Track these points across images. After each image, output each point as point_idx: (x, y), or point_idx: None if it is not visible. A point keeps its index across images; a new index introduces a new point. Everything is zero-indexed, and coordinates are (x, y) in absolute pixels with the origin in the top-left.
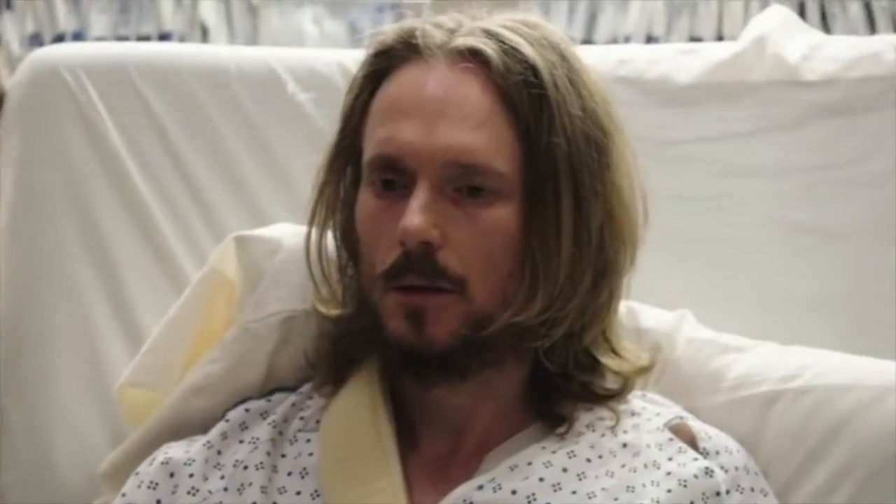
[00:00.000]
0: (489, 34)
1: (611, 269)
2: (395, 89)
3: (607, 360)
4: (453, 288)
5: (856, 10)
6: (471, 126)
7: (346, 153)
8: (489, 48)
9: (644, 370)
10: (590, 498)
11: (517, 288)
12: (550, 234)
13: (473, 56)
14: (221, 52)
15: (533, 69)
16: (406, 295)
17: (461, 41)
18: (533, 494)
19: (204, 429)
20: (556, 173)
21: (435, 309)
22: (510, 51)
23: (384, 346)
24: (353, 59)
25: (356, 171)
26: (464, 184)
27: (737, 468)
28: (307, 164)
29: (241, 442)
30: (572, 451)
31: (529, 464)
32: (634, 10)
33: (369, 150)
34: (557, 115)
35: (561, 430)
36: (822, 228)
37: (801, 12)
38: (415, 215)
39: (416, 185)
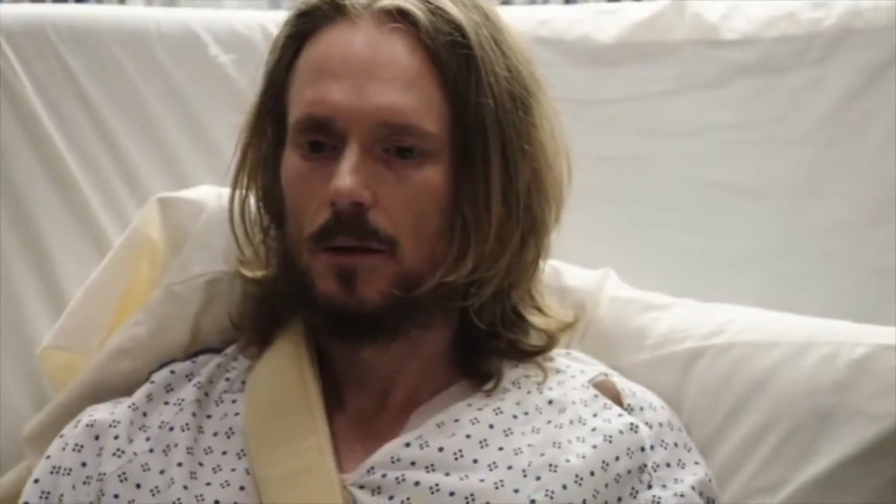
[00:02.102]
0: None
1: (538, 228)
2: (322, 49)
3: (533, 318)
4: (383, 248)
5: None
6: (400, 86)
7: (270, 114)
8: (416, 8)
9: (568, 326)
10: (516, 454)
11: (447, 248)
12: (479, 193)
13: (400, 16)
14: (141, 12)
15: (459, 29)
16: (337, 256)
17: (387, 1)
18: (460, 451)
19: (128, 391)
20: (484, 133)
21: (366, 269)
22: (436, 10)
23: (313, 308)
24: (274, 20)
25: (278, 132)
26: (393, 144)
27: (661, 424)
28: (229, 125)
29: (166, 403)
30: (499, 408)
31: (456, 420)
32: None
33: (296, 111)
34: (484, 75)
35: (488, 386)
36: (741, 187)
37: None
38: (346, 176)
39: (346, 145)
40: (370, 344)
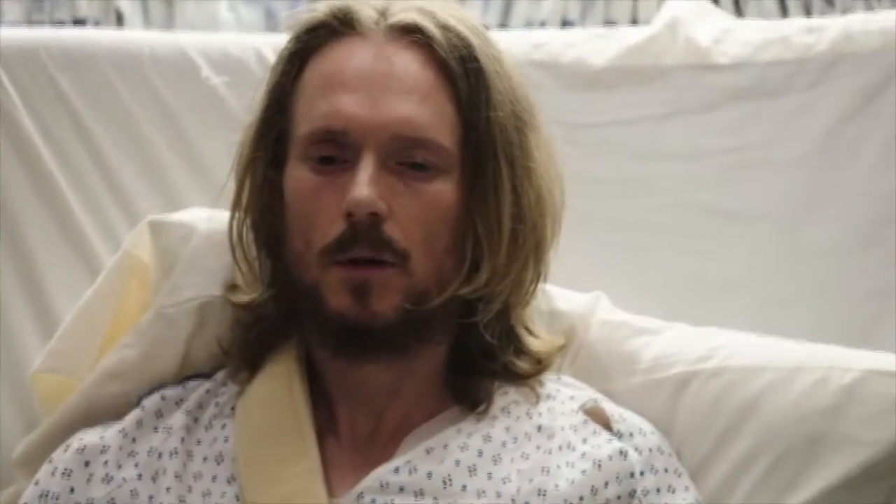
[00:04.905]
0: (424, 12)
1: (540, 247)
2: (332, 63)
3: (527, 339)
4: (396, 261)
5: None
6: (416, 100)
7: (271, 131)
8: (429, 23)
9: (560, 349)
10: (504, 482)
11: (456, 263)
12: (491, 208)
13: (412, 32)
14: (135, 36)
15: (468, 46)
16: (350, 269)
17: (400, 17)
18: (448, 477)
19: (118, 415)
20: (493, 148)
21: (379, 283)
22: (447, 26)
23: (322, 324)
24: (269, 43)
25: (277, 151)
26: (407, 158)
27: (650, 449)
28: (221, 147)
29: (155, 430)
30: (488, 435)
31: (445, 447)
32: None
33: (307, 124)
34: (493, 91)
35: (479, 409)
36: (733, 211)
37: None
38: (364, 186)
39: (361, 157)
40: (378, 360)
